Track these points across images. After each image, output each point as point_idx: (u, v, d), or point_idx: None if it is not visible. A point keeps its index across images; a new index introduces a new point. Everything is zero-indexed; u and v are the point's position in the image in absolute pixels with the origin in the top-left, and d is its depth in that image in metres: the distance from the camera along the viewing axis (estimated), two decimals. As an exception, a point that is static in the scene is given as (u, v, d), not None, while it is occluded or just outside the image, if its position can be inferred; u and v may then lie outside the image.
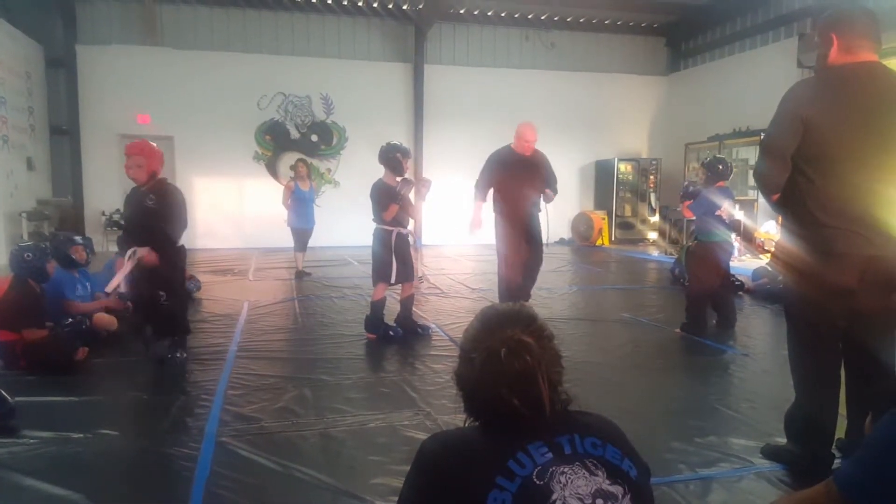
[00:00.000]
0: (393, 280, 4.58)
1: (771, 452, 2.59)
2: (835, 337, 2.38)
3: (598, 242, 12.04)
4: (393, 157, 4.60)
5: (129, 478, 2.46)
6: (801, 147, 2.25)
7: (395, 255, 4.54)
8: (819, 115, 2.21)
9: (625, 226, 12.60)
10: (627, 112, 12.98)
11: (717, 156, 5.15)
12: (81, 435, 2.78)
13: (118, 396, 3.38)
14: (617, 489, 1.05)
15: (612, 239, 12.39)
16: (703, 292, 4.85)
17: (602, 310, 6.11)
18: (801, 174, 2.28)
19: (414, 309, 4.93)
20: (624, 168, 12.51)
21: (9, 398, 2.89)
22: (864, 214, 2.20)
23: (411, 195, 4.73)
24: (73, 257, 4.56)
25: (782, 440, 2.58)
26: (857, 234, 2.21)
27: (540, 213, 5.48)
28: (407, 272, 4.65)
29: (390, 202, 4.50)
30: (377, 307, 4.63)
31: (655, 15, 12.40)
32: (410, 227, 4.87)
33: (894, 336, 2.35)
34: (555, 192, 5.55)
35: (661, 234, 12.31)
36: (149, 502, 2.27)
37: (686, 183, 5.43)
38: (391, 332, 4.62)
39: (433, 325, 4.94)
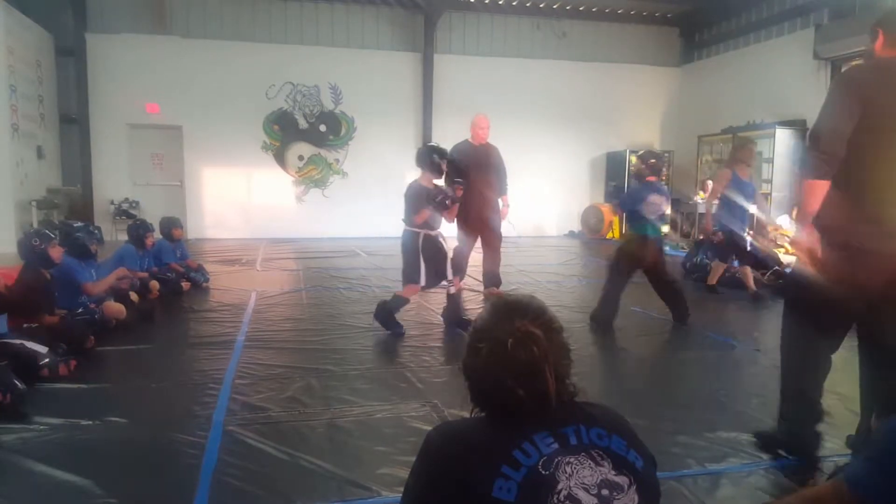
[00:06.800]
0: (423, 283, 4.42)
1: (763, 439, 2.65)
2: (840, 333, 2.39)
3: (609, 235, 11.96)
4: (432, 161, 4.43)
5: (137, 465, 2.48)
6: (854, 130, 2.19)
7: (423, 259, 4.38)
8: (877, 97, 2.17)
9: (635, 219, 12.50)
10: (639, 103, 12.84)
11: (651, 150, 5.16)
12: (91, 422, 2.81)
13: (127, 384, 3.40)
14: (623, 479, 1.05)
15: (623, 232, 12.31)
16: (619, 283, 4.73)
17: (611, 303, 6.06)
18: (850, 159, 2.22)
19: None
20: (636, 160, 12.39)
21: (19, 384, 2.92)
22: None
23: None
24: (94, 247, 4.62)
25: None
26: (892, 231, 2.17)
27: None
28: (439, 274, 4.50)
29: (424, 206, 4.33)
30: (398, 302, 4.49)
31: (669, 4, 12.23)
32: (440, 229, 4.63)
33: None
34: (506, 189, 5.98)
35: (673, 226, 12.22)
36: (157, 489, 2.29)
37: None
38: (398, 330, 4.45)
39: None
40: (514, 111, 11.90)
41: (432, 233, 4.47)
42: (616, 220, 12.12)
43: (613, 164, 12.70)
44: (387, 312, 4.49)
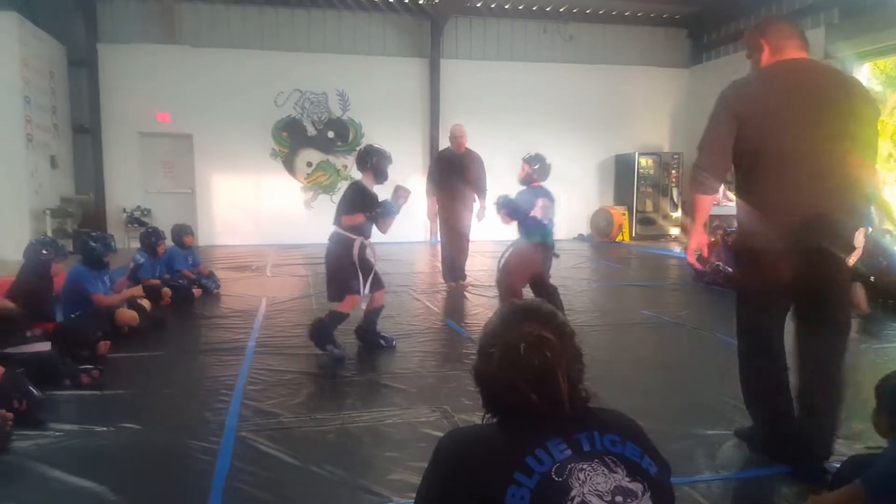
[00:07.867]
0: (366, 290, 4.07)
1: (743, 434, 2.66)
2: (777, 313, 2.42)
3: (619, 238, 11.91)
4: (377, 164, 4.08)
5: (151, 471, 2.50)
6: (738, 142, 2.28)
7: (360, 267, 4.02)
8: (753, 109, 2.26)
9: (646, 221, 12.43)
10: (648, 105, 12.78)
11: (539, 153, 4.67)
12: (105, 428, 2.83)
13: (140, 391, 3.43)
14: (637, 486, 1.04)
15: (633, 235, 12.24)
16: (509, 291, 4.41)
17: (622, 307, 6.03)
18: (743, 169, 2.31)
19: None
20: (645, 162, 12.34)
21: (36, 391, 2.95)
22: (805, 205, 2.22)
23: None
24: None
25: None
26: (796, 225, 2.21)
27: (475, 208, 6.41)
28: (377, 280, 4.19)
29: (362, 210, 4.01)
30: (337, 318, 4.07)
31: (677, 6, 12.18)
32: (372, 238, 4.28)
33: (843, 306, 2.39)
34: (484, 193, 6.40)
35: (684, 229, 12.14)
36: (170, 495, 2.30)
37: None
38: (336, 350, 4.00)
39: (396, 337, 4.43)
40: (522, 115, 11.90)
41: (367, 241, 4.13)
42: (625, 222, 12.05)
43: (622, 167, 12.65)
44: (324, 332, 4.03)
